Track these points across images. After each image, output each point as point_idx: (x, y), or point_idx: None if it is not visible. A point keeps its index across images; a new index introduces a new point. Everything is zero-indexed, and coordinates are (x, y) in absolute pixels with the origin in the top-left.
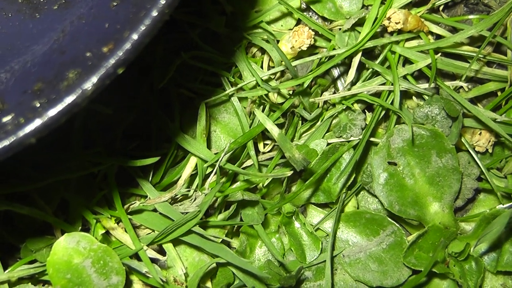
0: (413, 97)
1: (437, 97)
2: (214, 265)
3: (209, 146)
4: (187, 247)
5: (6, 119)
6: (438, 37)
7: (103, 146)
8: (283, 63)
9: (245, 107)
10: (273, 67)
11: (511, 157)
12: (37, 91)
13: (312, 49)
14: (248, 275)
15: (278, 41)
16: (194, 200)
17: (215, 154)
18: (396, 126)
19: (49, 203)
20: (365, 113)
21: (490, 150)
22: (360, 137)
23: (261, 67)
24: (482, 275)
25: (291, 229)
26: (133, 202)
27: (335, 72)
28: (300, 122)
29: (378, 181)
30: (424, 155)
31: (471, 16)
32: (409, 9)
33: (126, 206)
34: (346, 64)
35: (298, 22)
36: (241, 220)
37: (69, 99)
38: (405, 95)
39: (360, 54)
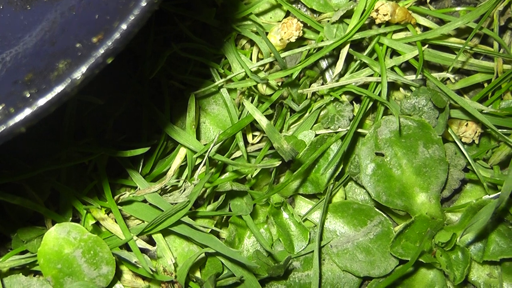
0: (401, 89)
1: (424, 89)
2: (203, 255)
3: (198, 137)
4: (176, 238)
5: None
6: (426, 29)
7: (93, 137)
8: (272, 54)
9: (234, 99)
10: (262, 58)
11: (497, 147)
12: (28, 82)
13: (301, 41)
14: (237, 265)
15: (267, 33)
16: (184, 190)
17: (205, 145)
18: (384, 117)
19: (40, 194)
20: (352, 104)
21: (476, 141)
22: (348, 128)
23: (250, 58)
24: (469, 265)
25: (279, 220)
26: (123, 193)
27: (324, 64)
28: (288, 113)
29: (366, 172)
30: (411, 146)
31: (458, 8)
32: (396, 1)
33: (116, 197)
34: (334, 55)
35: (287, 14)
36: (230, 210)
37: (59, 89)
38: (393, 86)
39: (348, 46)
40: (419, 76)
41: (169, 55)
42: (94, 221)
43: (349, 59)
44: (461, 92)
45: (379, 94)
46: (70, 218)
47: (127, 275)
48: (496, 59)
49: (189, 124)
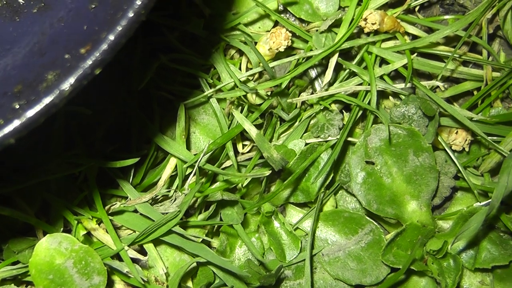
0: (390, 97)
1: (413, 97)
2: (195, 264)
3: (188, 147)
4: (167, 247)
5: None
6: (414, 37)
7: (83, 148)
8: (261, 64)
9: (223, 108)
10: (251, 68)
11: (488, 155)
12: (17, 93)
13: (290, 51)
14: (229, 274)
15: (256, 43)
16: (174, 200)
17: (195, 155)
18: (373, 125)
19: (31, 205)
20: (342, 113)
21: (466, 149)
22: (338, 137)
23: (239, 68)
24: (460, 272)
25: (270, 229)
26: (114, 203)
27: (313, 73)
28: (278, 122)
29: (356, 180)
30: (401, 154)
31: (446, 17)
32: (385, 10)
33: (107, 207)
34: (323, 65)
35: (276, 24)
36: (221, 220)
37: (47, 100)
38: (382, 95)
39: (337, 55)
40: (408, 85)
41: (158, 65)
42: (85, 232)
43: (338, 68)
44: (451, 100)
45: (369, 103)
46: (61, 229)
47: (119, 285)
48: (485, 67)
49: (179, 134)
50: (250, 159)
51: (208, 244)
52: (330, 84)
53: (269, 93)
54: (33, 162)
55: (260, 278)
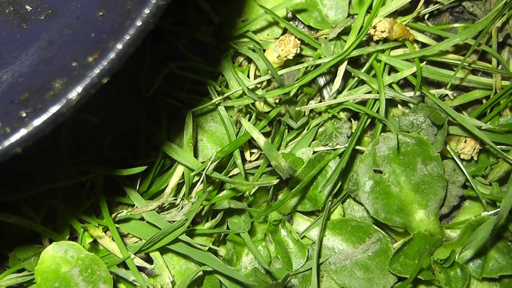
0: (399, 105)
1: (422, 105)
2: (201, 273)
3: (196, 155)
4: (174, 255)
5: None
6: (424, 45)
7: (90, 155)
8: (269, 72)
9: (231, 116)
10: (260, 76)
11: (496, 164)
12: (24, 101)
13: (298, 58)
14: (235, 283)
15: (264, 50)
16: (181, 208)
17: (202, 162)
18: (382, 134)
19: (37, 212)
20: (351, 121)
21: (475, 158)
22: (346, 145)
23: (248, 76)
24: (468, 282)
25: (277, 237)
26: (120, 211)
27: (321, 81)
28: (286, 130)
29: (364, 189)
30: (410, 163)
31: (456, 25)
32: (394, 18)
33: (113, 215)
34: (332, 72)
35: (284, 31)
36: (228, 228)
37: (54, 109)
38: (391, 103)
39: (346, 62)
40: (417, 93)
41: (166, 73)
42: (91, 240)
43: (347, 76)
44: (460, 108)
45: (377, 111)
46: (68, 237)
47: None
48: (494, 76)
49: (186, 141)
50: (257, 167)
51: (215, 253)
52: (339, 92)
53: (277, 101)
54: (40, 169)
55: (266, 287)
